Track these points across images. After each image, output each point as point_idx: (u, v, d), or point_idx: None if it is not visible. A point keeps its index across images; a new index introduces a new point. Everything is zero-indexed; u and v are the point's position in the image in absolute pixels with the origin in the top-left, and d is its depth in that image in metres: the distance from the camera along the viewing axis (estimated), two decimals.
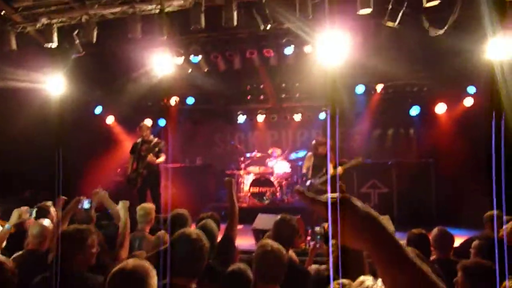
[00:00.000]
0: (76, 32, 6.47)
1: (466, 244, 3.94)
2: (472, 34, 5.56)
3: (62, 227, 2.85)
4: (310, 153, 6.59)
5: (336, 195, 0.85)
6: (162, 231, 3.48)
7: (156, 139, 6.97)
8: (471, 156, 7.20)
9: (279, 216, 3.45)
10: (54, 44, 6.33)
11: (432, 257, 3.53)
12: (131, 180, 6.85)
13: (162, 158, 6.91)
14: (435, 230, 3.68)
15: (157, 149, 6.86)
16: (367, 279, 1.85)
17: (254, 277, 2.40)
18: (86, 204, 3.67)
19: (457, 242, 4.37)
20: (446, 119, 8.95)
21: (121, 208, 3.31)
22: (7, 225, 3.13)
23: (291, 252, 3.47)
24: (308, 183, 6.31)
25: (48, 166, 6.13)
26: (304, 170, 6.58)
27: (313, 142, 6.67)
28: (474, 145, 6.59)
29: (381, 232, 0.80)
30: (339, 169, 6.09)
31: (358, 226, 0.81)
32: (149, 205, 4.36)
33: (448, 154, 7.99)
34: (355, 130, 10.06)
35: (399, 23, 5.59)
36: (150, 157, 6.73)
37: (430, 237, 3.61)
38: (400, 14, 5.52)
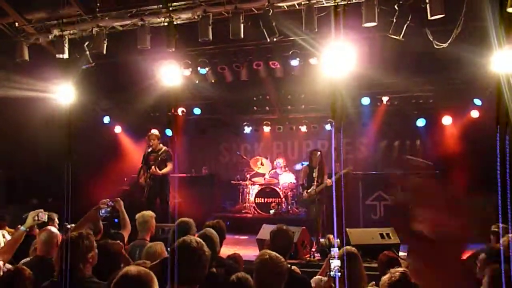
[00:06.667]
0: (86, 43, 6.61)
1: (472, 258, 3.90)
2: (478, 47, 5.58)
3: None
4: (305, 165, 6.93)
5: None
6: (159, 242, 3.47)
7: (164, 148, 6.98)
8: (477, 168, 7.15)
9: (275, 226, 3.46)
10: (65, 55, 6.48)
11: None
12: (139, 190, 6.86)
13: (167, 168, 6.87)
14: None
15: (164, 158, 6.86)
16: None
17: (255, 286, 2.42)
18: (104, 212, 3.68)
19: (464, 255, 4.32)
20: (452, 131, 8.92)
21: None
22: (22, 227, 3.17)
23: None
24: (304, 193, 6.54)
25: (55, 174, 6.23)
26: (301, 181, 6.94)
27: (308, 152, 7.01)
28: (481, 157, 6.55)
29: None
30: (329, 181, 6.37)
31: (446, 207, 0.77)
32: (148, 213, 4.24)
33: (454, 166, 7.93)
34: (361, 141, 10.06)
35: (403, 36, 5.64)
36: (153, 168, 6.72)
37: None
38: (405, 27, 5.58)
